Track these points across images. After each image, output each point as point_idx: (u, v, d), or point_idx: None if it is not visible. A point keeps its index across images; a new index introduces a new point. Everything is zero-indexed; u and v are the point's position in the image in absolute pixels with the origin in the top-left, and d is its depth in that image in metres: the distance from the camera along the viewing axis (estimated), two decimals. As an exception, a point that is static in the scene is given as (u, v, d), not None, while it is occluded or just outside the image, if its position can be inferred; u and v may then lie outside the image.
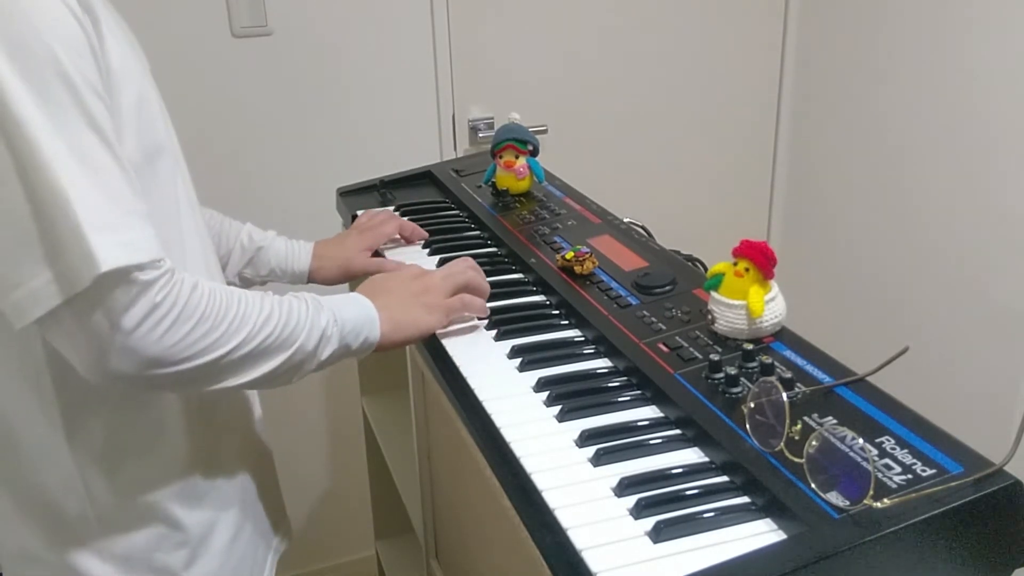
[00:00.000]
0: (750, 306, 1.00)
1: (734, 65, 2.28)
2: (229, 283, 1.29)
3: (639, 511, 0.81)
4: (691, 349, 1.02)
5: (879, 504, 0.75)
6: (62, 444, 0.92)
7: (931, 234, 1.98)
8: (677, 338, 1.04)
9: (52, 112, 0.77)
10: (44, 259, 0.77)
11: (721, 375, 0.95)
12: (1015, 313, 1.80)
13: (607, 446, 0.90)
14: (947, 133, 1.90)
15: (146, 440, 0.96)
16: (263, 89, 1.91)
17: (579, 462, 0.89)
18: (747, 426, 0.87)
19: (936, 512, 0.75)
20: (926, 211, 1.98)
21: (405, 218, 1.46)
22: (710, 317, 1.04)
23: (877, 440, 0.83)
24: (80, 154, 0.78)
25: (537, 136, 1.51)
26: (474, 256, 1.36)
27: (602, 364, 1.06)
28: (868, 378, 0.93)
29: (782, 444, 0.83)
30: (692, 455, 0.89)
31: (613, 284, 1.18)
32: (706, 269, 1.18)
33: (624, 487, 0.84)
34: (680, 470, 0.87)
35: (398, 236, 1.40)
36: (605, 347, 1.08)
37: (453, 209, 1.55)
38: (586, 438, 0.92)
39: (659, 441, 0.91)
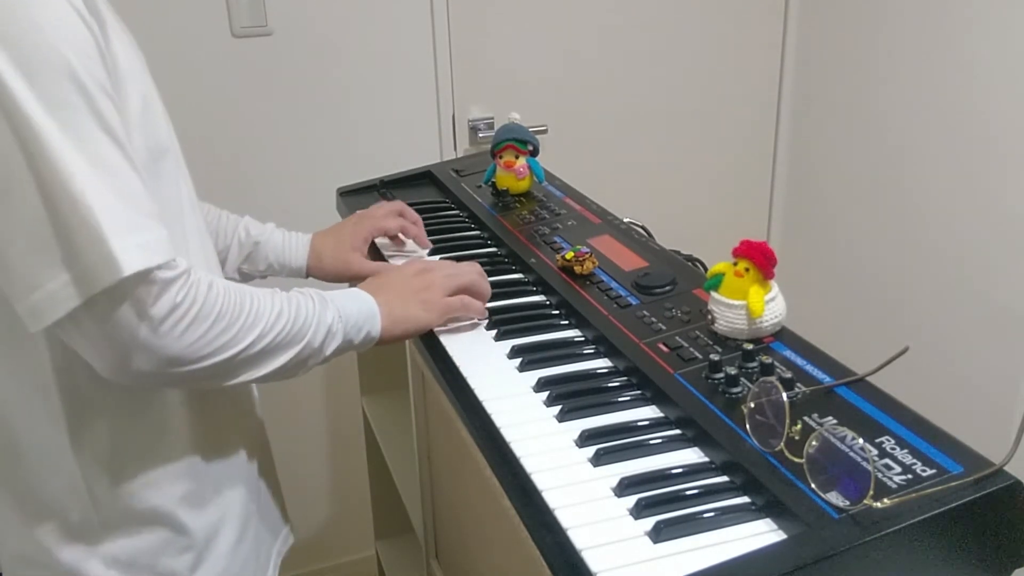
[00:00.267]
0: (750, 306, 1.00)
1: (734, 65, 2.28)
2: (228, 278, 1.29)
3: (639, 511, 0.81)
4: (691, 349, 1.02)
5: (879, 504, 0.75)
6: (66, 448, 0.92)
7: (931, 234, 1.97)
8: (677, 338, 1.04)
9: (65, 116, 0.77)
10: (62, 262, 0.78)
11: (721, 375, 0.95)
12: (1015, 313, 1.80)
13: (607, 446, 0.90)
14: (947, 133, 1.90)
15: (150, 444, 0.96)
16: (263, 89, 1.91)
17: (579, 462, 0.89)
18: (747, 426, 0.87)
19: (936, 512, 0.75)
20: (926, 211, 1.98)
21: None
22: (710, 317, 1.04)
23: (877, 440, 0.83)
24: (94, 157, 0.78)
25: (537, 136, 1.51)
26: (474, 256, 1.36)
27: (602, 364, 1.06)
28: (868, 378, 0.93)
29: (782, 444, 0.83)
30: (692, 455, 0.89)
31: (613, 284, 1.19)
32: (706, 269, 1.18)
33: (624, 487, 0.84)
34: (680, 470, 0.87)
35: (400, 236, 1.39)
36: (605, 347, 1.08)
37: (453, 209, 1.55)
38: (586, 438, 0.92)
39: (659, 441, 0.91)
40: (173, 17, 1.81)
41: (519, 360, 1.07)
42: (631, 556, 0.76)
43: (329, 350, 1.00)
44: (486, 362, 1.08)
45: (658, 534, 0.78)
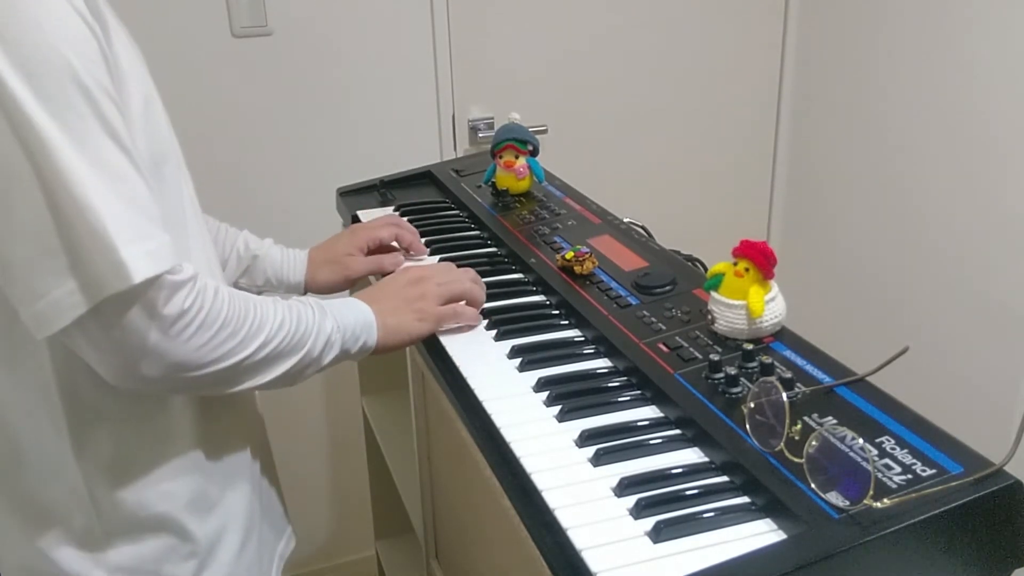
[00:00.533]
0: (750, 306, 1.00)
1: (734, 65, 2.28)
2: None
3: (639, 511, 0.81)
4: (691, 349, 1.02)
5: (879, 504, 0.75)
6: (68, 455, 0.92)
7: (931, 234, 1.97)
8: (677, 338, 1.04)
9: (70, 121, 0.76)
10: (68, 269, 0.78)
11: (721, 375, 0.95)
12: (1015, 313, 1.80)
13: (607, 446, 0.90)
14: (947, 133, 1.90)
15: (153, 450, 0.96)
16: (263, 89, 1.91)
17: (579, 462, 0.89)
18: (747, 426, 0.87)
19: (936, 512, 0.75)
20: (926, 211, 1.98)
21: (406, 219, 1.45)
22: (710, 317, 1.04)
23: (877, 440, 0.83)
24: (100, 162, 0.78)
25: (537, 136, 1.51)
26: (474, 256, 1.36)
27: (602, 364, 1.06)
28: (868, 378, 0.93)
29: (782, 444, 0.83)
30: (692, 455, 0.89)
31: (613, 284, 1.18)
32: (706, 269, 1.18)
33: (624, 487, 0.84)
34: (680, 470, 0.87)
35: (395, 244, 1.38)
36: (605, 347, 1.08)
37: (453, 209, 1.55)
38: (586, 438, 0.92)
39: (659, 441, 0.91)
40: (173, 17, 1.81)
41: (519, 360, 1.07)
42: (631, 556, 0.76)
43: (327, 359, 1.01)
44: (486, 362, 1.08)
45: (658, 534, 0.78)
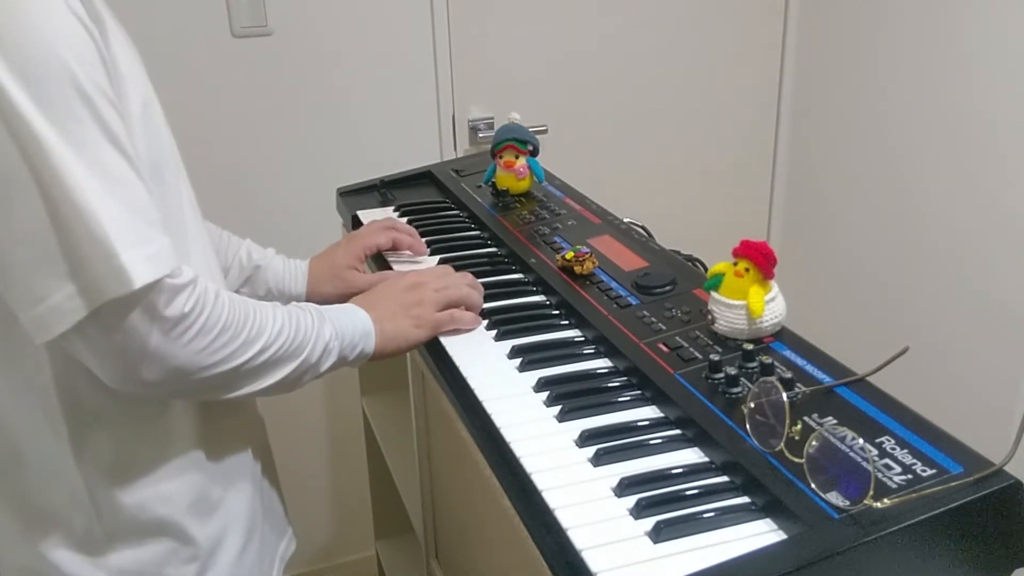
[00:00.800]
0: (750, 306, 1.00)
1: (734, 65, 2.28)
2: None
3: (639, 511, 0.81)
4: (691, 349, 1.02)
5: (879, 504, 0.75)
6: (69, 459, 0.92)
7: (931, 234, 1.97)
8: (677, 338, 1.04)
9: (68, 125, 0.76)
10: (67, 274, 0.78)
11: (721, 375, 0.95)
12: (1015, 313, 1.80)
13: (607, 446, 0.90)
14: (947, 133, 1.90)
15: (154, 453, 0.95)
16: (263, 89, 1.91)
17: (579, 462, 0.89)
18: (747, 426, 0.87)
19: (936, 512, 0.75)
20: (926, 211, 1.98)
21: (404, 220, 1.45)
22: (710, 317, 1.04)
23: (877, 440, 0.83)
24: (99, 167, 0.78)
25: (537, 136, 1.51)
26: (474, 256, 1.36)
27: (602, 364, 1.06)
28: (868, 378, 0.93)
29: (782, 444, 0.83)
30: (692, 455, 0.89)
31: (613, 284, 1.18)
32: (706, 269, 1.18)
33: (624, 487, 0.84)
34: (680, 470, 0.87)
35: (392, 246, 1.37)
36: (605, 347, 1.08)
37: (453, 209, 1.55)
38: (586, 438, 0.92)
39: (659, 441, 0.91)
40: (173, 17, 1.81)
41: (519, 360, 1.07)
42: (631, 556, 0.76)
43: (325, 366, 1.01)
44: (486, 362, 1.08)
45: (658, 534, 0.78)
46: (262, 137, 1.94)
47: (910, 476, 0.79)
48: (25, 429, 0.91)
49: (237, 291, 1.28)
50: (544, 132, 2.10)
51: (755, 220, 2.45)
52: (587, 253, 1.22)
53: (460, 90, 2.06)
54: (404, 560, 1.94)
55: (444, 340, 1.12)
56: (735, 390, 0.93)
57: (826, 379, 0.93)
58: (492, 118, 2.10)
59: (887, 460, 0.81)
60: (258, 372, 0.93)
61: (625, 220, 1.39)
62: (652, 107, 2.25)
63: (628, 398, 0.99)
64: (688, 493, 0.83)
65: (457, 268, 1.22)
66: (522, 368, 1.06)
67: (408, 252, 1.37)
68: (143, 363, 0.83)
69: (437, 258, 1.36)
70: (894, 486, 0.77)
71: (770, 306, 1.01)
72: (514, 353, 1.09)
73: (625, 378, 1.03)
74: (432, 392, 1.27)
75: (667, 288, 1.15)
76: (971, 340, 1.91)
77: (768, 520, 0.80)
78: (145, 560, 0.96)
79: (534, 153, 1.49)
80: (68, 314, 0.78)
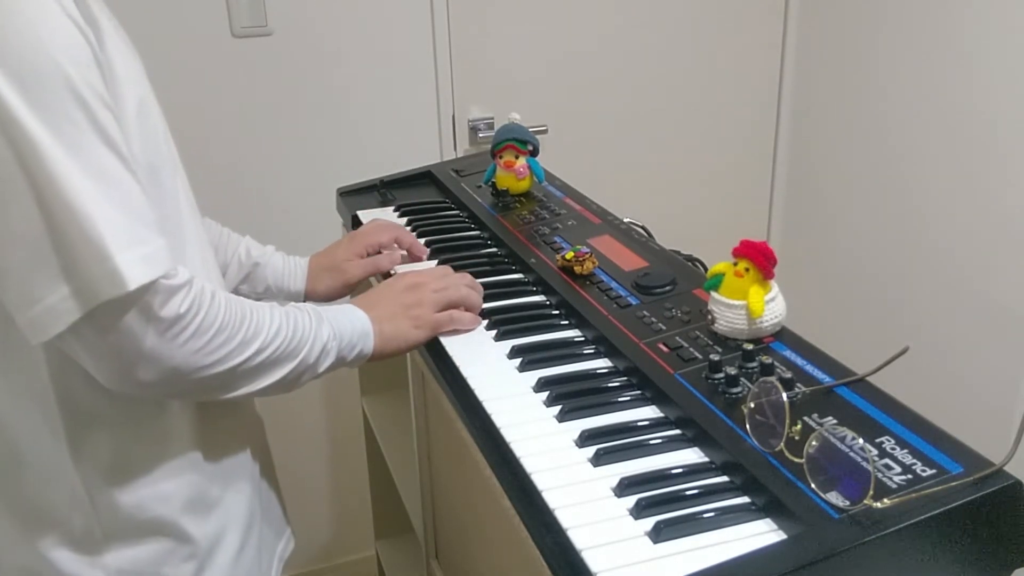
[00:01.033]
0: (750, 306, 1.00)
1: (734, 65, 2.28)
2: None
3: (639, 511, 0.81)
4: (691, 349, 1.02)
5: (879, 504, 0.75)
6: (67, 459, 0.92)
7: (931, 234, 1.97)
8: (677, 338, 1.04)
9: (63, 128, 0.76)
10: (61, 275, 0.78)
11: (721, 375, 0.95)
12: (1015, 313, 1.80)
13: (607, 446, 0.90)
14: (947, 133, 1.90)
15: (152, 453, 0.95)
16: (263, 89, 1.91)
17: (579, 462, 0.89)
18: (747, 426, 0.87)
19: (936, 512, 0.75)
20: (926, 211, 1.98)
21: (405, 221, 1.45)
22: (710, 317, 1.04)
23: (877, 440, 0.83)
24: (93, 168, 0.78)
25: (537, 136, 1.51)
26: (474, 256, 1.36)
27: (602, 364, 1.06)
28: (868, 378, 0.93)
29: (782, 444, 0.83)
30: (692, 455, 0.89)
31: (613, 284, 1.18)
32: (706, 269, 1.18)
33: (624, 487, 0.84)
34: (680, 470, 0.87)
35: (395, 247, 1.37)
36: (605, 347, 1.08)
37: (453, 209, 1.55)
38: (586, 438, 0.92)
39: (659, 441, 0.91)
40: (173, 17, 1.81)
41: (519, 360, 1.07)
42: (631, 556, 0.76)
43: (323, 367, 1.01)
44: (486, 362, 1.08)
45: (658, 534, 0.78)
46: (262, 137, 1.94)
47: (910, 476, 0.79)
48: (24, 429, 0.92)
49: (236, 288, 1.28)
50: (544, 132, 2.10)
51: (755, 220, 2.45)
52: (587, 253, 1.22)
53: (460, 90, 2.06)
54: (404, 560, 1.94)
55: (444, 340, 1.12)
56: (735, 390, 0.93)
57: (826, 379, 0.93)
58: (492, 118, 2.10)
59: (887, 460, 0.81)
60: (255, 373, 0.93)
61: (625, 220, 1.39)
62: (652, 107, 2.25)
63: (628, 398, 0.99)
64: (688, 493, 0.83)
65: (457, 268, 1.22)
66: (522, 368, 1.06)
67: (406, 252, 1.37)
68: (139, 364, 0.83)
69: (436, 260, 1.36)
70: (894, 486, 0.77)
71: (770, 306, 1.01)
72: (514, 353, 1.09)
73: (625, 378, 1.03)
74: (432, 392, 1.27)
75: (667, 288, 1.15)
76: (971, 340, 1.91)
77: (768, 520, 0.80)
78: (143, 559, 0.96)
79: (534, 153, 1.49)
80: (63, 315, 0.79)
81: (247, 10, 1.85)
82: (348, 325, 1.04)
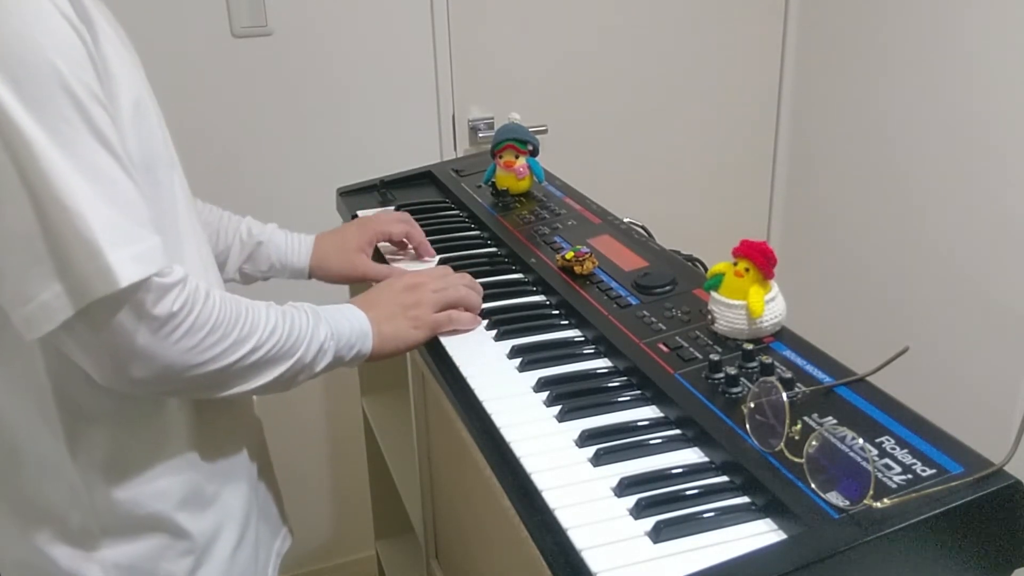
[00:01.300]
0: (750, 306, 1.00)
1: (734, 65, 2.28)
2: (229, 279, 1.29)
3: (639, 511, 0.81)
4: (691, 349, 1.02)
5: (879, 504, 0.75)
6: (65, 457, 0.92)
7: (931, 234, 1.98)
8: (677, 338, 1.04)
9: (56, 126, 0.77)
10: (55, 273, 0.78)
11: (721, 375, 0.95)
12: (1015, 313, 1.80)
13: (607, 446, 0.90)
14: (947, 133, 1.90)
15: (149, 450, 0.96)
16: (263, 89, 1.91)
17: (579, 462, 0.89)
18: (747, 426, 0.87)
19: (936, 512, 0.75)
20: (926, 211, 1.98)
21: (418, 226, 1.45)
22: (710, 317, 1.04)
23: (877, 440, 0.83)
24: (87, 166, 0.78)
25: (537, 136, 1.51)
26: (474, 256, 1.36)
27: (602, 364, 1.06)
28: (868, 378, 0.93)
29: (782, 444, 0.83)
30: (692, 455, 0.89)
31: (613, 284, 1.18)
32: (706, 269, 1.18)
33: (624, 487, 0.84)
34: (680, 470, 0.87)
35: (405, 241, 1.37)
36: (605, 347, 1.08)
37: (453, 209, 1.55)
38: (586, 438, 0.92)
39: (659, 441, 0.91)
40: (173, 17, 1.81)
41: (519, 360, 1.07)
42: (631, 556, 0.76)
43: (319, 367, 1.01)
44: (486, 362, 1.08)
45: (658, 534, 0.78)
46: (262, 137, 1.94)
47: (910, 476, 0.79)
48: (22, 426, 0.92)
49: (240, 268, 1.29)
50: (544, 132, 2.10)
51: (755, 220, 2.45)
52: (587, 253, 1.22)
53: (460, 90, 2.06)
54: (404, 560, 1.94)
55: (444, 340, 1.12)
56: (735, 390, 0.93)
57: (826, 379, 0.93)
58: (492, 118, 2.10)
59: (887, 460, 0.81)
60: (249, 371, 0.93)
61: (625, 220, 1.39)
62: (652, 107, 2.25)
63: (628, 398, 0.99)
64: (688, 493, 0.83)
65: (457, 268, 1.22)
66: (522, 368, 1.06)
67: (412, 251, 1.37)
68: (132, 361, 0.84)
69: (436, 260, 1.36)
70: (894, 486, 0.77)
71: (770, 306, 1.01)
72: (514, 353, 1.09)
73: (625, 378, 1.03)
74: (432, 392, 1.27)
75: (667, 288, 1.15)
76: (971, 340, 1.91)
77: (768, 520, 0.80)
78: (140, 554, 0.97)
79: (534, 153, 1.49)
80: (56, 312, 0.79)
81: (247, 10, 1.85)
82: (346, 325, 1.04)
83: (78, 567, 0.95)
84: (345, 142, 2.00)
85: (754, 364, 0.96)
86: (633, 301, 1.14)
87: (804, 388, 0.91)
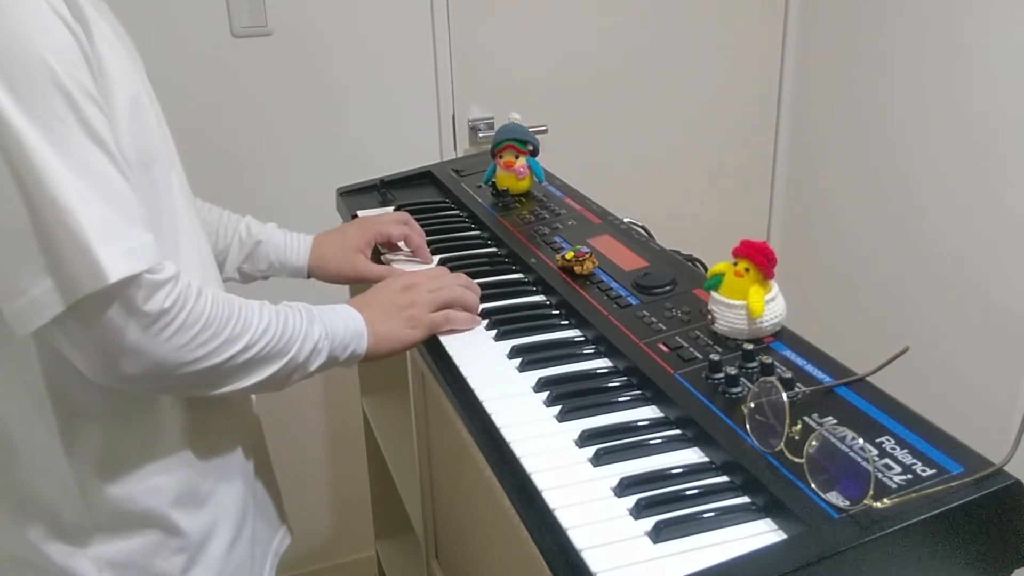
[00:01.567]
0: (750, 306, 1.00)
1: (734, 65, 2.28)
2: (228, 278, 1.29)
3: (639, 511, 0.81)
4: (691, 349, 1.02)
5: (879, 504, 0.75)
6: (60, 453, 0.92)
7: (931, 234, 1.98)
8: (677, 338, 1.04)
9: (50, 125, 0.77)
10: (45, 268, 0.79)
11: (721, 375, 0.95)
12: (1015, 313, 1.80)
13: (607, 446, 0.90)
14: (947, 133, 1.90)
15: (143, 446, 0.96)
16: (263, 89, 1.91)
17: (579, 462, 0.89)
18: (747, 426, 0.87)
19: (936, 512, 0.75)
20: (926, 211, 1.98)
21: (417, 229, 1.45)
22: (710, 317, 1.04)
23: (877, 440, 0.83)
24: (78, 163, 0.79)
25: (537, 136, 1.51)
26: (474, 256, 1.36)
27: (602, 364, 1.06)
28: (868, 378, 0.93)
29: (782, 444, 0.83)
30: (692, 455, 0.89)
31: (613, 284, 1.18)
32: (706, 269, 1.18)
33: (624, 487, 0.84)
34: (680, 470, 0.87)
35: (402, 244, 1.37)
36: (605, 347, 1.08)
37: (453, 209, 1.55)
38: (586, 438, 0.92)
39: (659, 441, 0.91)
40: (173, 17, 1.81)
41: (519, 360, 1.07)
42: (631, 556, 0.76)
43: (313, 366, 1.01)
44: (486, 362, 1.08)
45: (658, 534, 0.78)
46: (262, 137, 1.94)
47: (910, 476, 0.79)
48: (16, 422, 0.92)
49: (239, 267, 1.29)
50: (544, 132, 2.10)
51: (755, 220, 2.45)
52: (587, 253, 1.22)
53: (460, 90, 2.06)
54: (404, 560, 1.94)
55: (444, 340, 1.12)
56: (735, 390, 0.93)
57: (826, 379, 0.93)
58: (492, 118, 2.10)
59: (887, 460, 0.81)
60: (242, 370, 0.93)
61: (625, 220, 1.39)
62: (652, 107, 2.25)
63: (628, 398, 0.99)
64: (688, 493, 0.83)
65: (457, 268, 1.22)
66: (522, 368, 1.06)
67: (410, 251, 1.36)
68: (123, 357, 0.84)
69: (437, 259, 1.36)
70: (894, 486, 0.77)
71: (770, 306, 1.01)
72: (514, 353, 1.09)
73: (625, 378, 1.03)
74: (432, 392, 1.27)
75: (667, 288, 1.15)
76: (971, 340, 1.91)
77: (768, 520, 0.80)
78: (134, 551, 0.97)
79: (534, 153, 1.49)
80: (46, 308, 0.79)
81: (247, 10, 1.85)
82: (341, 325, 1.04)
83: (71, 563, 0.95)
84: (345, 142, 2.00)
85: (754, 364, 0.96)
86: (633, 301, 1.14)
87: (804, 388, 0.91)
